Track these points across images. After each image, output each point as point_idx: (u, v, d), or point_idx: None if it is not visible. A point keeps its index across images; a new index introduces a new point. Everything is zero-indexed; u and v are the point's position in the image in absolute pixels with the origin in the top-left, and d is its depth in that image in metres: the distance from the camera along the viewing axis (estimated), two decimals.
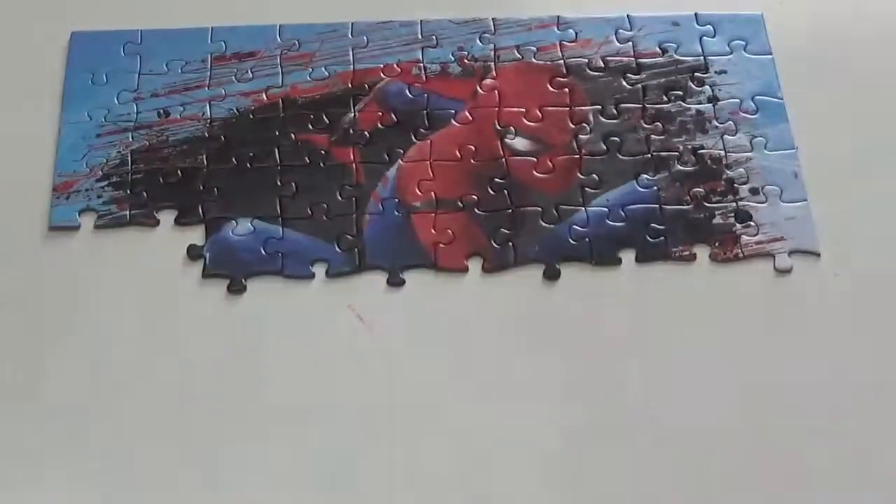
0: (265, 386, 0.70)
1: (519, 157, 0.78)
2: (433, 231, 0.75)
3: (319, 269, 0.74)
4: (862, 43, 0.83)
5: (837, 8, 0.86)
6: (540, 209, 0.76)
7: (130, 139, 0.78)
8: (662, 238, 0.75)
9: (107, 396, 0.69)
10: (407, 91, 0.81)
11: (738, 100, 0.80)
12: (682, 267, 0.74)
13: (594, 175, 0.77)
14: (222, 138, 0.78)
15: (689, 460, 0.67)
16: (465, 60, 0.82)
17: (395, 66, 0.81)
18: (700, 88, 0.81)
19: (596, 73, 0.81)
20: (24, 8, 0.84)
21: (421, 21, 0.83)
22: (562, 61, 0.82)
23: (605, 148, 0.78)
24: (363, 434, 0.68)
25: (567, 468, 0.67)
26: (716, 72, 0.81)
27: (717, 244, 0.75)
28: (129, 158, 0.78)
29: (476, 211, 0.76)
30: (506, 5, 0.85)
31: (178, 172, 0.77)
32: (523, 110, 0.80)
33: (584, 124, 0.79)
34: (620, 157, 0.78)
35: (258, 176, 0.77)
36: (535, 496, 0.67)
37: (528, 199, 0.76)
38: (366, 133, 0.79)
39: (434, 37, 0.83)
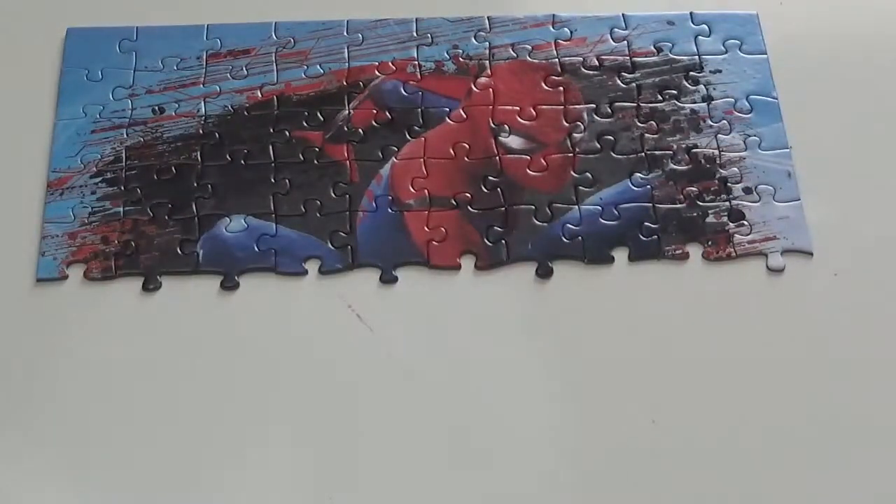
0: (258, 383, 0.70)
1: (513, 156, 0.78)
2: (426, 229, 0.75)
3: (312, 266, 0.74)
4: (857, 42, 0.84)
5: (836, 8, 0.86)
6: (533, 207, 0.76)
7: (125, 136, 0.79)
8: (655, 237, 0.75)
9: (99, 393, 0.69)
10: (402, 89, 0.81)
11: (732, 99, 0.80)
12: (675, 266, 0.74)
13: (588, 174, 0.77)
14: (216, 135, 0.79)
15: (682, 459, 0.67)
16: (460, 58, 0.82)
17: (390, 63, 0.82)
18: (694, 87, 0.81)
19: (590, 72, 0.81)
20: (20, 4, 0.84)
21: (416, 19, 0.84)
22: (556, 60, 0.82)
23: (598, 146, 0.78)
24: (357, 431, 0.68)
25: (559, 466, 0.67)
26: (710, 71, 0.81)
27: (709, 243, 0.75)
28: (124, 155, 0.78)
29: (469, 209, 0.76)
30: (501, 4, 0.85)
31: (173, 169, 0.77)
32: (517, 108, 0.80)
33: (579, 123, 0.79)
34: (614, 155, 0.78)
35: (252, 173, 0.77)
36: (529, 494, 0.67)
37: (521, 198, 0.76)
38: (360, 130, 0.79)
39: (429, 35, 0.83)
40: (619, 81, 0.81)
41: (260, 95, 0.80)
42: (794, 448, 0.68)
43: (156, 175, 0.77)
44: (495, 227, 0.75)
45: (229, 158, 0.78)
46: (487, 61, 0.82)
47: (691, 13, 0.84)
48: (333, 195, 0.76)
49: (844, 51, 0.83)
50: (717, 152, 0.78)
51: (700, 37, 0.83)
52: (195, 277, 0.73)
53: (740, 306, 0.72)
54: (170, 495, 0.66)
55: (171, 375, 0.70)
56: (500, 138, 0.79)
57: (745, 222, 0.75)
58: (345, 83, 0.81)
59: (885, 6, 0.86)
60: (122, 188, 0.76)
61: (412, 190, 0.76)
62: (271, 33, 0.83)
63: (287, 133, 0.79)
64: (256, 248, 0.74)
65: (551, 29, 0.83)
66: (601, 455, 0.68)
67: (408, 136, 0.79)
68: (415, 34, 0.83)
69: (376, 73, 0.81)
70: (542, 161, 0.78)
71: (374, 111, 0.80)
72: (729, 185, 0.77)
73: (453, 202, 0.76)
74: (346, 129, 0.79)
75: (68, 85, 0.80)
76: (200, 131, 0.79)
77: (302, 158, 0.78)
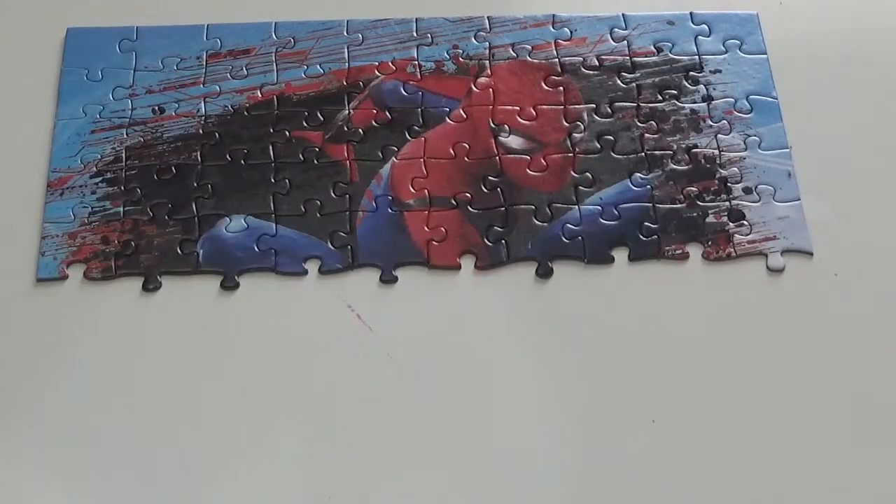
0: (258, 383, 0.70)
1: (512, 156, 0.78)
2: (426, 229, 0.75)
3: (312, 266, 0.74)
4: (857, 42, 0.84)
5: (837, 7, 0.86)
6: (533, 207, 0.76)
7: (125, 135, 0.79)
8: (655, 237, 0.75)
9: (98, 393, 0.69)
10: (402, 89, 0.81)
11: (732, 99, 0.80)
12: (675, 266, 0.74)
13: (588, 173, 0.77)
14: (216, 135, 0.79)
15: (682, 459, 0.67)
16: (460, 58, 0.82)
17: (390, 63, 0.82)
18: (694, 87, 0.81)
19: (590, 72, 0.81)
20: (21, 3, 0.84)
21: (416, 19, 0.84)
22: (556, 60, 0.82)
23: (598, 146, 0.78)
24: (356, 431, 0.68)
25: (559, 466, 0.67)
26: (710, 71, 0.81)
27: (709, 243, 0.75)
28: (124, 155, 0.78)
29: (469, 209, 0.76)
30: (501, 3, 0.85)
31: (173, 169, 0.77)
32: (517, 108, 0.80)
33: (579, 123, 0.79)
34: (614, 155, 0.78)
35: (252, 173, 0.77)
36: (530, 493, 0.67)
37: (521, 198, 0.76)
38: (360, 130, 0.79)
39: (429, 35, 0.83)
40: (619, 81, 0.81)
41: (260, 95, 0.80)
42: (793, 447, 0.68)
43: (156, 175, 0.77)
44: (495, 227, 0.75)
45: (229, 158, 0.78)
46: (487, 61, 0.82)
47: (691, 13, 0.84)
48: (333, 195, 0.76)
49: (844, 50, 0.83)
50: (717, 152, 0.78)
51: (700, 37, 0.83)
52: (195, 277, 0.73)
53: (740, 306, 0.72)
54: (170, 495, 0.66)
55: (171, 375, 0.70)
56: (500, 138, 0.79)
57: (745, 222, 0.75)
58: (345, 83, 0.81)
59: (886, 6, 0.86)
60: (122, 188, 0.77)
61: (412, 190, 0.76)
62: (271, 33, 0.83)
63: (287, 133, 0.79)
64: (256, 248, 0.74)
65: (551, 29, 0.83)
66: (601, 455, 0.68)
67: (408, 136, 0.79)
68: (415, 34, 0.83)
69: (376, 73, 0.81)
70: (542, 161, 0.78)
71: (374, 111, 0.80)
72: (729, 185, 0.77)
73: (453, 202, 0.76)
74: (346, 129, 0.79)
75: (68, 85, 0.81)
76: (200, 131, 0.79)
77: (302, 158, 0.78)
